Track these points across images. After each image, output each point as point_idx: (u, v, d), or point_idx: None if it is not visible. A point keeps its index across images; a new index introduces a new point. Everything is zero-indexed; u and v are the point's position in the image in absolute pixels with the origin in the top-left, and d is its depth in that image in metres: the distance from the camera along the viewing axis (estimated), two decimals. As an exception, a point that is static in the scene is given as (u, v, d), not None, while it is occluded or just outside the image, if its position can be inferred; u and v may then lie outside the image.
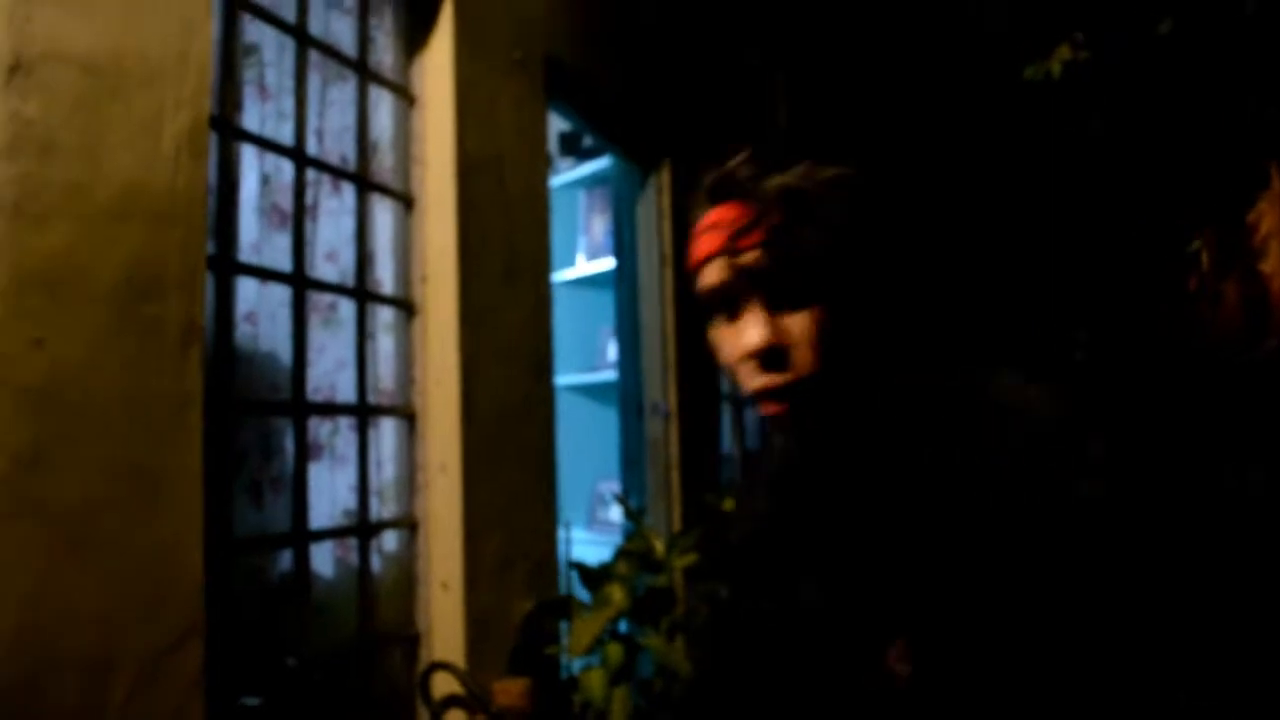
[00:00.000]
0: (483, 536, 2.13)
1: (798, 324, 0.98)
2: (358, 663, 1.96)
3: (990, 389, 1.02)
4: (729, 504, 3.14)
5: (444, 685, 1.98)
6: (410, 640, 2.07)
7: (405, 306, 2.11)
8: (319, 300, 1.99)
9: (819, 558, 1.10)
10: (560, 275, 3.59)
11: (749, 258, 0.98)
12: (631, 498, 3.36)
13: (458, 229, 2.10)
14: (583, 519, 3.86)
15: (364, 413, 2.00)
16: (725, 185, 1.02)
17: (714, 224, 1.01)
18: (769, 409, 1.02)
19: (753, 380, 1.01)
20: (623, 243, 3.34)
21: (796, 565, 1.13)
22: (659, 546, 2.36)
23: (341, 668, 1.94)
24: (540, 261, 2.49)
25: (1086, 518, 0.93)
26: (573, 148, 3.77)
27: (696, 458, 3.48)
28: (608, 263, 3.52)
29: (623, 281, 3.35)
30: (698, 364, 3.57)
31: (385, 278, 2.11)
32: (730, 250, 0.98)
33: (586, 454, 3.74)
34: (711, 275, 1.01)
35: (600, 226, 3.71)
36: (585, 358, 3.81)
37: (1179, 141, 2.45)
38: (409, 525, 2.08)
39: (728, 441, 4.00)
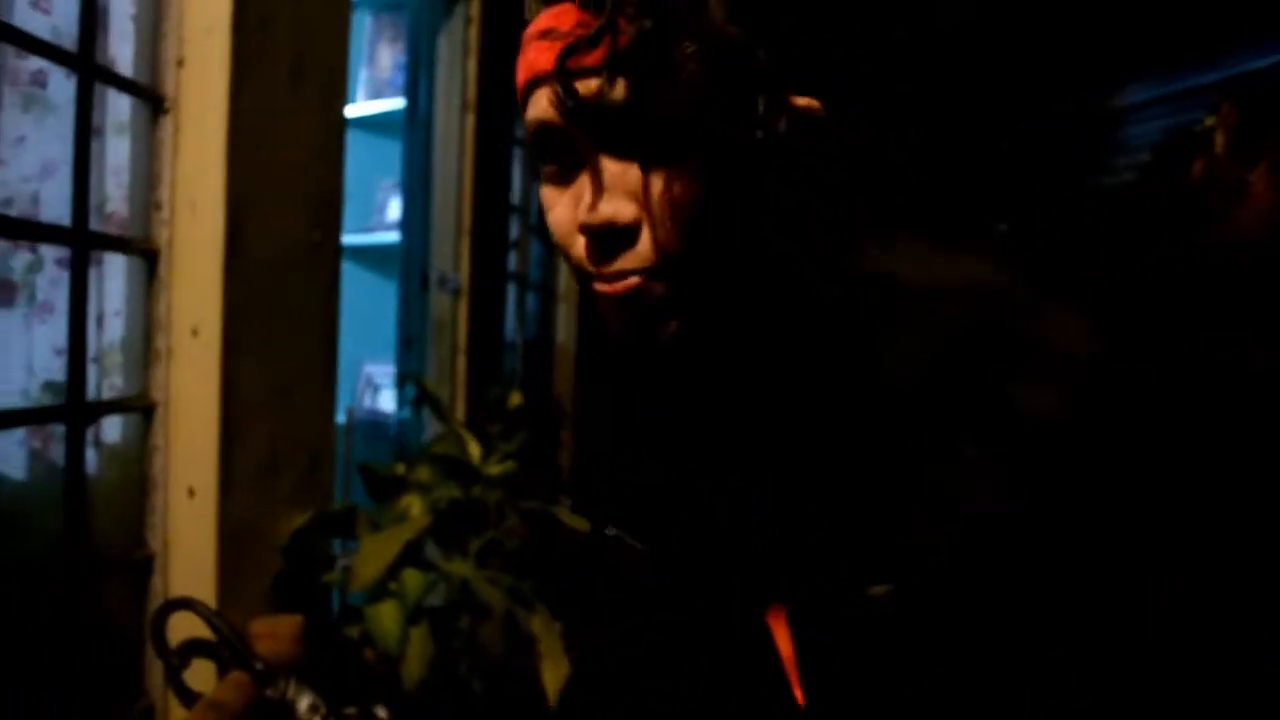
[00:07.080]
0: (246, 426, 1.58)
1: (658, 186, 0.64)
2: (62, 596, 1.38)
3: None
4: (515, 399, 2.73)
5: (186, 627, 1.45)
6: (140, 566, 1.50)
7: (150, 97, 1.48)
8: (17, 69, 1.34)
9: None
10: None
11: (590, 85, 0.63)
12: (407, 386, 2.85)
13: (233, -4, 1.49)
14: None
15: (82, 242, 1.38)
16: None
17: (547, 30, 0.66)
18: (607, 301, 0.68)
19: (593, 260, 0.68)
20: (416, 81, 2.83)
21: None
22: (475, 450, 1.88)
23: (37, 602, 1.36)
24: (337, 70, 1.90)
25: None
26: (359, -41, 3.11)
27: (485, 342, 3.02)
28: (395, 103, 2.95)
29: (413, 127, 2.85)
30: (493, 233, 3.10)
31: (123, 53, 1.47)
32: (564, 73, 0.64)
33: (355, 329, 3.16)
34: (539, 107, 0.67)
35: (388, 60, 3.10)
36: (359, 215, 3.18)
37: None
38: (143, 408, 1.49)
39: (511, 326, 3.58)
